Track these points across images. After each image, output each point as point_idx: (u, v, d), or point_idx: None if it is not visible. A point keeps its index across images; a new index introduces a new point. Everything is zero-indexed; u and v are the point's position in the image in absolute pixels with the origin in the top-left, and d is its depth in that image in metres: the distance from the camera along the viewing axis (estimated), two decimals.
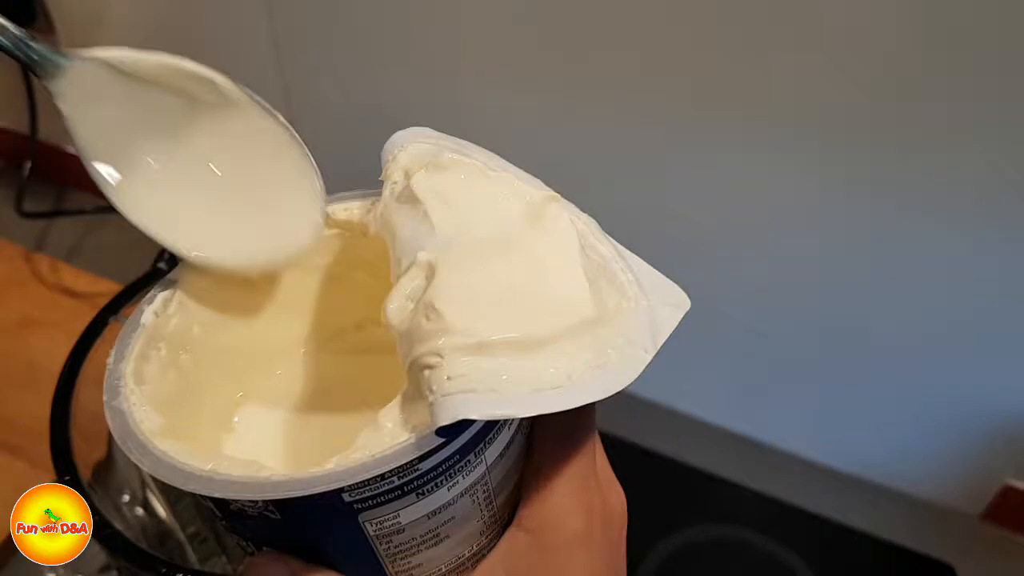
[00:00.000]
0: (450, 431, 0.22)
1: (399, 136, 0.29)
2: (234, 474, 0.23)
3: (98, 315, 0.43)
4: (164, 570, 0.35)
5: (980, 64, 0.64)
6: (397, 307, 0.25)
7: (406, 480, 0.24)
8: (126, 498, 0.46)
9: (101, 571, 0.89)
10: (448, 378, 0.23)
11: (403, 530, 0.25)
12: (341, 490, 0.23)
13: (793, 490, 0.95)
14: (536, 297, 0.25)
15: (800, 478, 0.99)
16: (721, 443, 1.00)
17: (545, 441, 0.27)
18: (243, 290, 0.30)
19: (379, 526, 0.24)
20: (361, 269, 0.31)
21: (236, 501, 0.24)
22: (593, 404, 0.28)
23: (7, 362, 0.94)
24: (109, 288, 0.86)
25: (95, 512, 0.37)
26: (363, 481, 0.23)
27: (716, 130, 0.74)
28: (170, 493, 0.48)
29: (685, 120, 0.74)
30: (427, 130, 0.30)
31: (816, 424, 0.98)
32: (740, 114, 0.72)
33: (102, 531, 0.36)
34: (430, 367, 0.23)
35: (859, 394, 0.92)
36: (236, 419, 0.30)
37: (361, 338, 0.33)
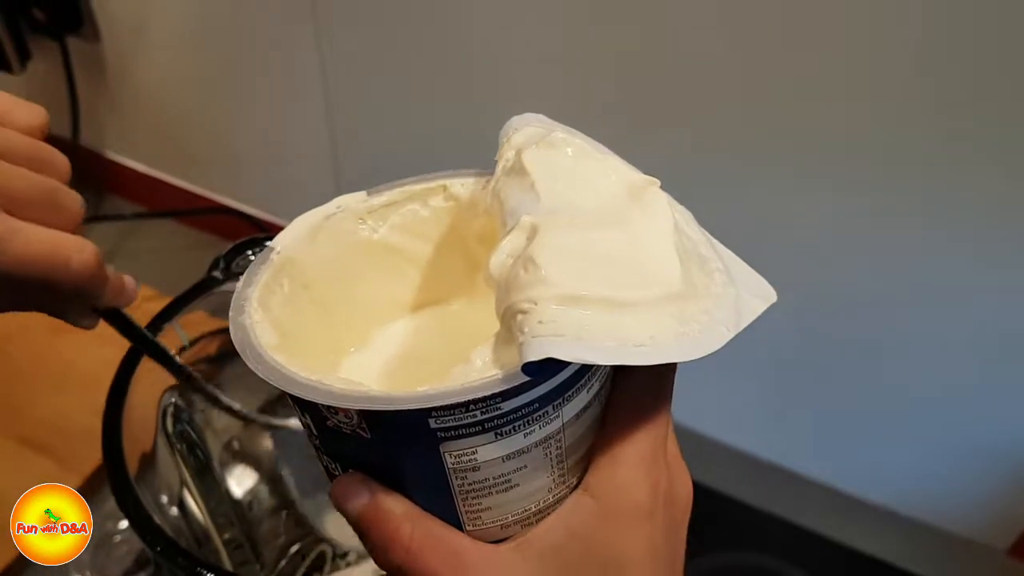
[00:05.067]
0: (536, 371, 0.21)
1: (514, 120, 0.28)
2: (336, 386, 0.22)
3: (153, 320, 0.41)
4: (199, 569, 0.34)
5: None
6: (498, 262, 0.23)
7: (487, 417, 0.22)
8: (164, 498, 0.44)
9: (126, 574, 0.89)
10: (539, 322, 0.21)
11: (479, 468, 0.23)
12: (428, 414, 0.21)
13: (817, 517, 0.89)
14: (629, 265, 0.23)
15: (824, 505, 0.93)
16: (746, 468, 0.94)
17: (620, 412, 0.25)
18: (360, 252, 0.29)
19: (457, 459, 0.23)
20: (473, 241, 0.30)
21: (334, 417, 0.22)
22: (670, 382, 0.26)
23: (40, 364, 0.89)
24: (144, 293, 0.81)
25: (139, 508, 0.35)
26: (448, 407, 0.21)
27: (763, 161, 0.70)
28: (208, 498, 0.46)
29: (731, 144, 0.70)
30: (541, 116, 0.28)
31: (843, 452, 0.91)
32: (792, 148, 0.69)
33: (144, 528, 0.35)
34: (523, 312, 0.21)
35: (888, 424, 0.86)
36: (340, 362, 0.29)
37: (462, 303, 0.31)
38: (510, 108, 0.82)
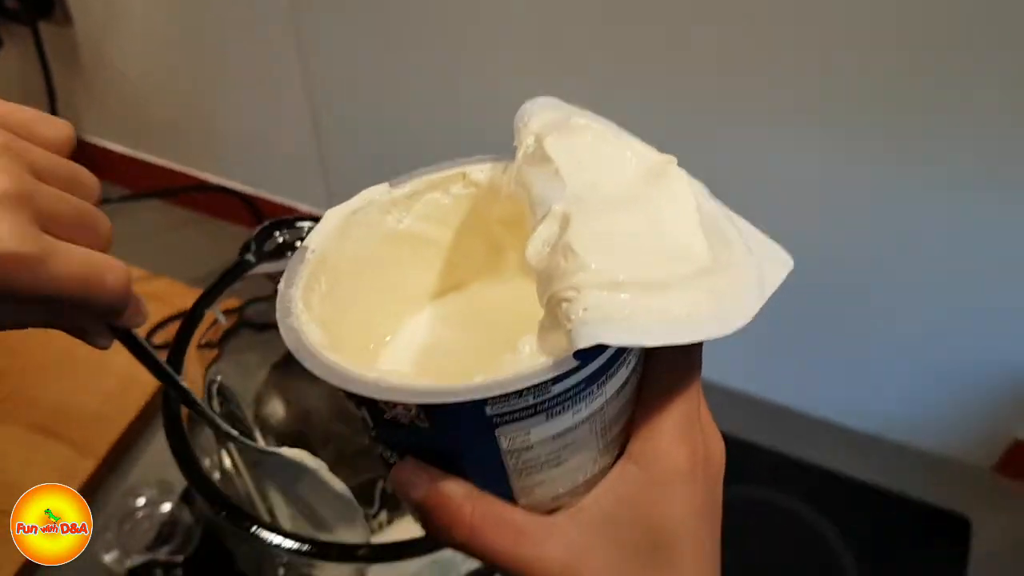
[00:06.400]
0: (584, 356, 0.21)
1: (530, 105, 0.28)
2: (394, 382, 0.22)
3: (195, 306, 0.43)
4: (254, 527, 0.35)
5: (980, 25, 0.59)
6: (535, 250, 0.24)
7: (539, 400, 0.23)
8: (206, 462, 0.45)
9: (148, 549, 0.90)
10: (584, 309, 0.22)
11: (531, 448, 0.24)
12: (485, 402, 0.22)
13: (804, 447, 0.90)
14: (660, 246, 0.23)
15: (810, 435, 0.94)
16: (736, 405, 0.96)
17: (655, 383, 0.26)
18: (387, 244, 0.30)
19: (511, 441, 0.24)
20: (495, 225, 0.30)
21: (392, 410, 0.23)
22: (699, 352, 0.26)
23: (41, 351, 0.90)
24: (135, 274, 0.83)
25: (196, 466, 0.36)
26: (504, 395, 0.22)
27: (728, 103, 0.70)
28: (249, 464, 0.47)
29: (696, 90, 0.70)
30: (555, 100, 0.28)
31: (828, 383, 0.93)
32: (745, 82, 0.69)
33: (204, 486, 0.37)
34: (568, 300, 0.22)
35: (869, 351, 0.87)
36: (379, 352, 0.30)
37: (486, 284, 0.32)
38: (493, 74, 0.80)
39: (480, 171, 0.29)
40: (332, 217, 0.28)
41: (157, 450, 0.92)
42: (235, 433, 0.36)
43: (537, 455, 0.24)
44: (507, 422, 0.23)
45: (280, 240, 0.40)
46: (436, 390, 0.22)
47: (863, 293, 0.82)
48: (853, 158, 0.70)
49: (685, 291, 0.23)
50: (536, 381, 0.22)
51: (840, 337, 0.87)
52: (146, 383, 0.92)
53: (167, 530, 0.88)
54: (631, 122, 0.28)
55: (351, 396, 0.24)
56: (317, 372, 0.23)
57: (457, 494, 0.24)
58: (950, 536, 0.85)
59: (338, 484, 0.37)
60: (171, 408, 0.38)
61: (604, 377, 0.24)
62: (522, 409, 0.23)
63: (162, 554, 0.87)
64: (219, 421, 0.36)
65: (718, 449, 0.27)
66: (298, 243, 0.40)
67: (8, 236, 0.24)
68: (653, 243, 0.23)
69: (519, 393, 0.22)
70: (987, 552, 0.83)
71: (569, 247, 0.23)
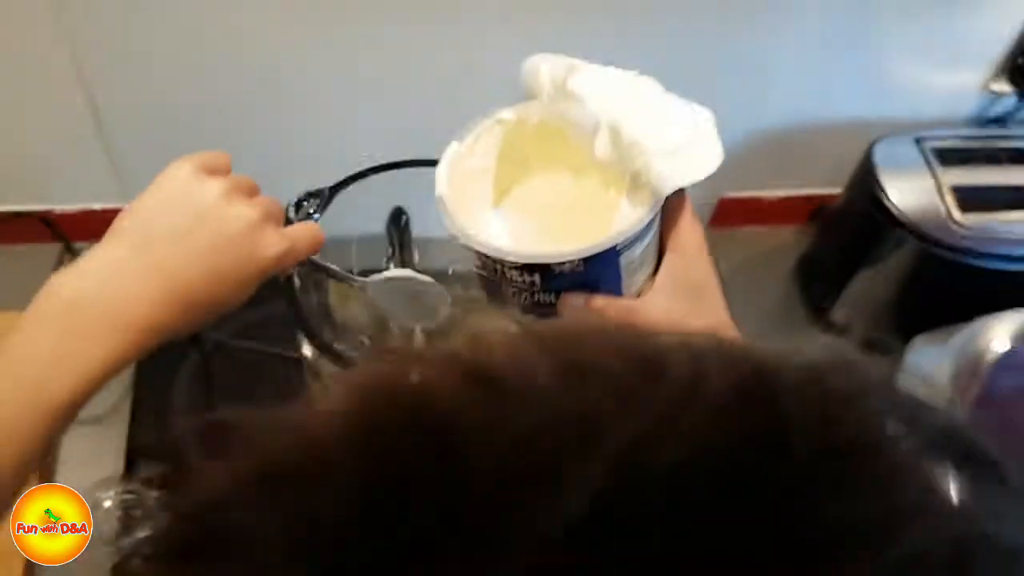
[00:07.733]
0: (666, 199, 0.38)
1: (532, 61, 0.42)
2: (566, 249, 0.37)
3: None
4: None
5: None
6: (603, 152, 0.39)
7: (641, 230, 0.39)
8: None
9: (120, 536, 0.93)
10: (659, 172, 0.38)
11: (633, 260, 0.40)
12: (616, 244, 0.38)
13: None
14: (672, 123, 0.40)
15: None
16: None
17: (671, 203, 0.42)
18: (470, 178, 0.43)
19: (626, 260, 0.40)
20: (525, 148, 0.44)
21: (559, 267, 0.38)
22: None
23: None
24: None
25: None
26: (629, 236, 0.38)
27: None
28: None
29: None
30: (547, 54, 0.42)
31: None
32: None
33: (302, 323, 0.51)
34: (646, 170, 0.38)
35: None
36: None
37: (526, 188, 0.46)
38: (271, 42, 0.83)
39: (509, 113, 0.43)
40: (441, 171, 0.41)
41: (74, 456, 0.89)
42: (358, 279, 0.49)
43: (636, 264, 0.41)
44: (624, 250, 0.39)
45: (310, 211, 0.49)
46: (597, 244, 0.37)
47: None
48: None
49: (699, 142, 0.40)
50: (646, 223, 0.38)
51: None
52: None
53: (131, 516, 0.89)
54: None
55: (525, 268, 0.39)
56: (528, 261, 0.37)
57: (600, 302, 0.40)
58: None
59: (427, 279, 0.50)
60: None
61: (660, 208, 0.41)
62: (633, 239, 0.39)
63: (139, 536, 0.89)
64: (349, 275, 0.49)
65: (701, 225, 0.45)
66: (317, 208, 0.51)
67: (277, 242, 0.40)
68: (668, 122, 0.40)
69: (637, 233, 0.38)
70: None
71: (632, 142, 0.38)
